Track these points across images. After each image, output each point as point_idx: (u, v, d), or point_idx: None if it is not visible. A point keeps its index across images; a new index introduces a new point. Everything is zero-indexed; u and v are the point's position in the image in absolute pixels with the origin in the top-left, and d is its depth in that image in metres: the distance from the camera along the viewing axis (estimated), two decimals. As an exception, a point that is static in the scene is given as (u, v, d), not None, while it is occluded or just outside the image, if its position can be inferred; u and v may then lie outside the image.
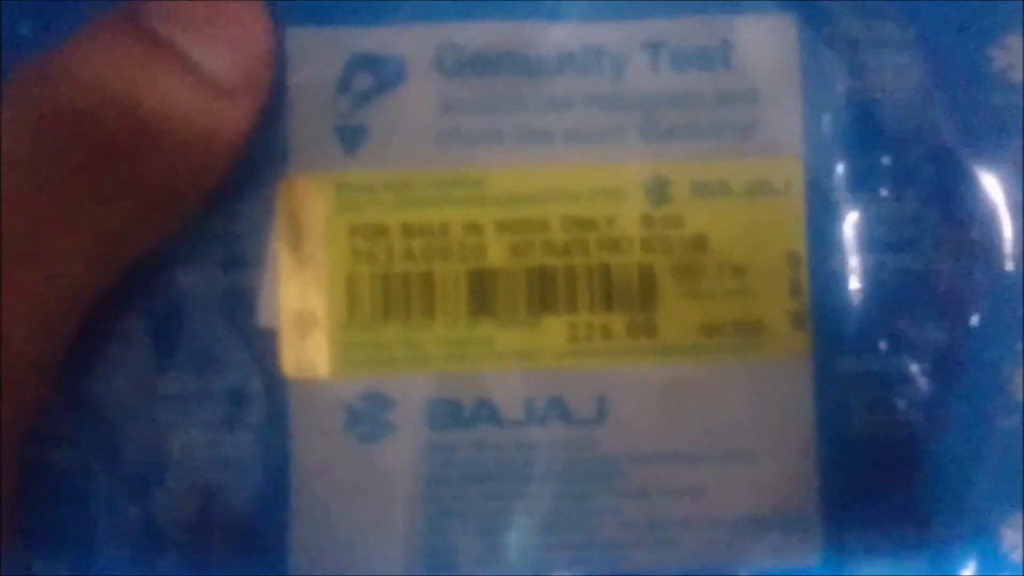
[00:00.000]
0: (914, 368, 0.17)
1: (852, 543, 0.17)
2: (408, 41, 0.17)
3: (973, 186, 0.17)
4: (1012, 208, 0.18)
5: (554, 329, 0.17)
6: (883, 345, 0.17)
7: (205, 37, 0.16)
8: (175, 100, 0.15)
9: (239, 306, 0.17)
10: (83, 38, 0.16)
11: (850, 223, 0.17)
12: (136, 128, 0.15)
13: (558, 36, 0.17)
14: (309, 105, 0.17)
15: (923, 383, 0.17)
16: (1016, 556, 0.18)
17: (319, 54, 0.17)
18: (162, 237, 0.16)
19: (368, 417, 0.17)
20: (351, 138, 0.17)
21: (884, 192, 0.17)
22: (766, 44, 0.17)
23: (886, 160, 0.17)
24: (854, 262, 0.17)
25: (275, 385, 0.17)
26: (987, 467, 0.18)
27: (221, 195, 0.17)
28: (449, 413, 0.17)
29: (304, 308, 0.17)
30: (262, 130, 0.17)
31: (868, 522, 0.17)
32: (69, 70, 0.15)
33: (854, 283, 0.17)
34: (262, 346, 0.17)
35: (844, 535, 0.17)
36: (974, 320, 0.17)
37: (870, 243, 0.17)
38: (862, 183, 0.17)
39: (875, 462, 0.17)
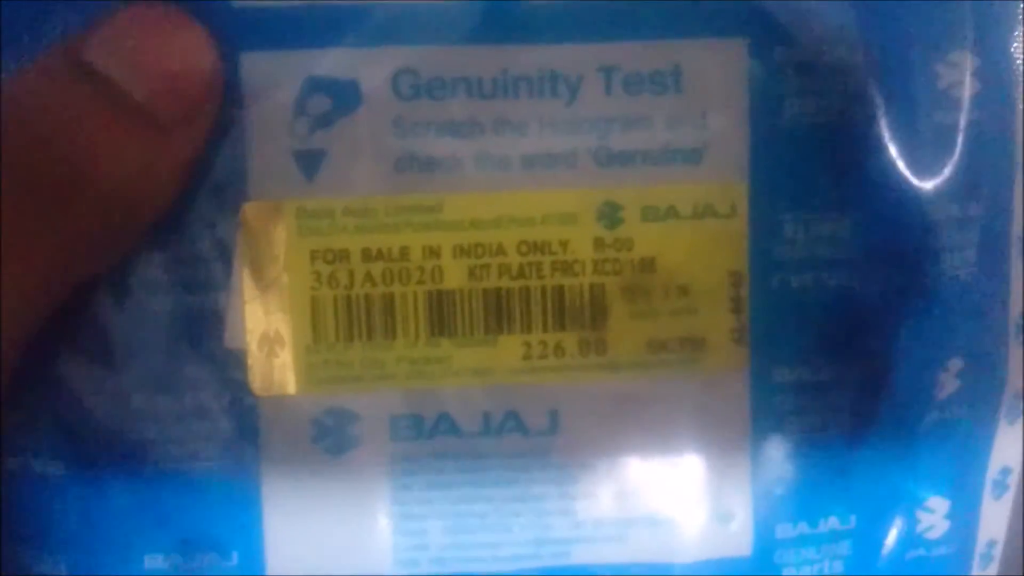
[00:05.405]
0: (844, 376, 0.18)
1: (780, 534, 0.19)
2: (364, 64, 0.17)
3: (911, 202, 0.18)
4: (946, 222, 0.18)
5: (510, 347, 0.18)
6: (816, 356, 0.18)
7: (144, 70, 0.15)
8: (108, 138, 0.15)
9: (205, 328, 0.17)
10: (19, 77, 0.16)
11: (791, 242, 0.18)
12: (67, 168, 0.15)
13: (514, 59, 0.17)
14: (266, 129, 0.17)
15: (852, 389, 0.18)
16: (931, 535, 0.20)
17: (274, 78, 0.17)
18: (101, 270, 0.17)
19: (334, 431, 0.18)
20: (310, 163, 0.17)
21: (825, 212, 0.18)
22: (716, 69, 0.17)
23: (829, 181, 0.18)
24: (793, 279, 0.18)
25: (244, 402, 0.18)
26: (908, 460, 0.19)
27: (184, 219, 0.17)
28: (411, 426, 0.18)
29: (270, 330, 0.17)
30: (221, 155, 0.17)
31: (796, 515, 0.19)
32: (2, 112, 0.15)
33: (792, 299, 0.18)
34: (230, 365, 0.17)
35: (773, 527, 0.19)
36: (902, 329, 0.18)
37: (809, 261, 0.18)
38: (805, 203, 0.18)
39: (804, 461, 0.19)
